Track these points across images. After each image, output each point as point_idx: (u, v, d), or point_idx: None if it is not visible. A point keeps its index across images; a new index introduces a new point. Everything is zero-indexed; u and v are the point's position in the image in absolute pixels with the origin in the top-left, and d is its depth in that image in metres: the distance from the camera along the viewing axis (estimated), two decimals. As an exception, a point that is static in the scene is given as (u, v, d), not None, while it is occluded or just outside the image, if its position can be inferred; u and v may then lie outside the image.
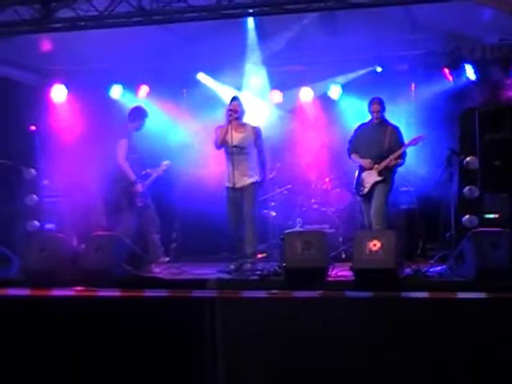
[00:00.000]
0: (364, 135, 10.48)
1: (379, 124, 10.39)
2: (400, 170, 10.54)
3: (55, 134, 12.21)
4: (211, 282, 8.91)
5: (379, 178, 10.21)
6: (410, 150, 10.45)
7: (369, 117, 10.56)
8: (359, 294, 8.24)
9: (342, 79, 12.52)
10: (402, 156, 10.33)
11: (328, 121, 12.54)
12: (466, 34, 11.52)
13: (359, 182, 10.44)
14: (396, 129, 10.43)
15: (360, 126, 10.66)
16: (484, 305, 7.82)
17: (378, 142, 10.29)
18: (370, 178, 10.27)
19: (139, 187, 10.61)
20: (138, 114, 10.95)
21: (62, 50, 11.09)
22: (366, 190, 10.30)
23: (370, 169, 10.25)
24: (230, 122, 9.96)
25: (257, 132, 10.15)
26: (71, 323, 8.70)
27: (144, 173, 10.87)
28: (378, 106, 10.36)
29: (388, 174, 10.24)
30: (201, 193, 11.61)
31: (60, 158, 11.88)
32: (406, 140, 10.43)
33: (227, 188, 10.05)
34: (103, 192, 11.45)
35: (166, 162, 11.10)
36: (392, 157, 10.19)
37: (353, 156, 10.57)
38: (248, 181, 10.04)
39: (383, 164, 10.20)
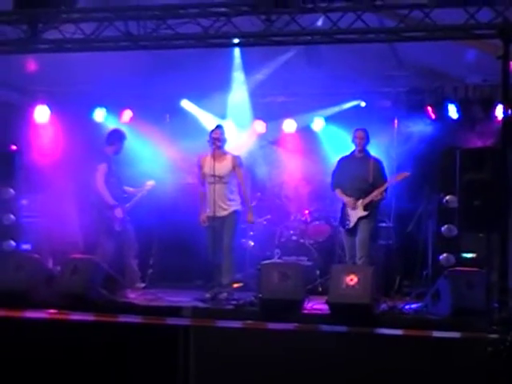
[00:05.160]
0: (347, 168, 10.43)
1: (362, 157, 10.36)
2: (380, 205, 10.55)
3: (36, 154, 12.15)
4: (186, 310, 8.88)
5: (364, 213, 10.14)
6: (390, 186, 10.46)
7: (351, 149, 10.55)
8: (334, 328, 8.24)
9: (325, 112, 12.56)
10: (385, 191, 10.34)
11: (310, 153, 12.56)
12: (450, 73, 11.64)
13: (344, 216, 10.37)
14: (379, 163, 10.39)
15: (342, 159, 10.62)
16: (458, 344, 7.84)
17: (361, 175, 10.24)
18: (355, 212, 10.21)
19: (118, 212, 10.51)
20: (116, 137, 10.86)
21: (46, 71, 11.08)
22: (352, 224, 10.22)
23: (354, 207, 10.21)
24: (213, 150, 9.95)
25: (236, 161, 10.12)
26: (43, 346, 8.64)
27: (126, 195, 10.78)
28: (362, 135, 10.34)
29: (372, 208, 10.22)
30: (179, 219, 11.57)
31: (40, 178, 11.81)
32: (388, 175, 10.45)
33: (207, 216, 10.02)
34: (81, 215, 11.38)
35: (150, 182, 10.96)
36: (377, 192, 10.15)
37: (337, 191, 10.50)
38: (228, 210, 10.02)
39: (368, 199, 10.15)
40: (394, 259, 11.18)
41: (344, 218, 10.36)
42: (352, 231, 10.26)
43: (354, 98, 12.33)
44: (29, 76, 11.47)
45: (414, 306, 9.25)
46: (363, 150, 10.39)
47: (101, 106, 12.79)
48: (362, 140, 10.35)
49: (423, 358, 7.93)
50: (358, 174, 10.29)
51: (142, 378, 8.53)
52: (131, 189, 10.87)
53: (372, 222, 10.22)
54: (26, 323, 8.77)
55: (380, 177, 10.30)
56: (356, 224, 10.19)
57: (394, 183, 10.47)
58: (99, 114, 12.81)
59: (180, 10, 8.90)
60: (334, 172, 10.61)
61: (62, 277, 9.44)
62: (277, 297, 8.74)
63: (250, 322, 8.55)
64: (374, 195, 10.16)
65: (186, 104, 12.73)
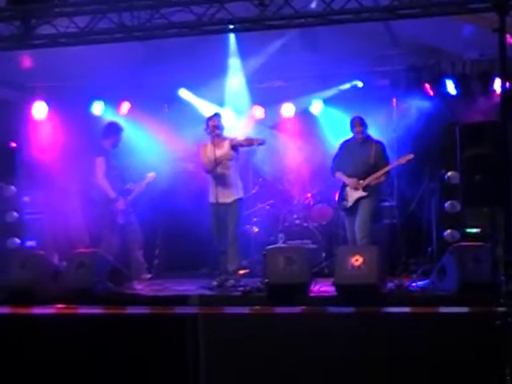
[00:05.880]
0: (349, 152, 10.44)
1: (363, 141, 10.35)
2: (381, 185, 10.53)
3: (36, 150, 12.15)
4: (193, 299, 8.89)
5: (364, 194, 10.16)
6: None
7: (350, 130, 10.54)
8: (341, 310, 8.24)
9: (323, 94, 12.52)
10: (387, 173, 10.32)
11: (310, 136, 12.55)
12: (447, 49, 11.59)
13: (343, 197, 10.38)
14: (381, 145, 10.40)
15: (344, 143, 10.62)
16: (466, 319, 7.84)
17: (363, 158, 10.24)
18: (355, 193, 10.22)
19: (120, 204, 10.50)
20: (112, 129, 10.85)
21: (42, 66, 11.06)
22: (350, 204, 10.24)
23: (356, 187, 10.21)
24: (213, 137, 9.95)
25: (233, 142, 10.11)
26: (52, 341, 8.66)
27: (126, 188, 10.76)
28: (360, 126, 10.32)
29: (372, 189, 10.21)
30: (182, 209, 11.57)
31: (41, 174, 11.82)
32: (390, 154, 10.43)
33: (211, 203, 10.03)
34: (84, 209, 11.38)
35: (151, 174, 10.94)
36: (378, 174, 10.15)
37: (337, 175, 10.49)
38: (231, 198, 10.03)
39: (368, 180, 10.15)
40: (399, 238, 11.18)
41: (342, 198, 10.38)
42: (351, 211, 10.27)
43: (352, 79, 12.29)
44: (25, 72, 11.45)
45: (420, 283, 9.26)
46: (363, 135, 10.36)
47: (98, 99, 12.77)
48: (361, 132, 10.33)
49: (432, 334, 7.93)
50: (360, 157, 10.28)
51: (152, 367, 8.55)
52: (131, 184, 10.82)
53: (373, 202, 10.24)
54: (33, 319, 8.78)
55: (382, 159, 10.29)
56: (355, 204, 10.19)
57: (395, 167, 10.45)
58: (97, 108, 12.79)
59: (173, -1, 8.87)
60: (335, 157, 10.62)
61: (67, 271, 9.45)
62: (283, 281, 8.74)
63: (257, 307, 8.55)
64: (375, 176, 10.15)
65: (183, 93, 12.71)
